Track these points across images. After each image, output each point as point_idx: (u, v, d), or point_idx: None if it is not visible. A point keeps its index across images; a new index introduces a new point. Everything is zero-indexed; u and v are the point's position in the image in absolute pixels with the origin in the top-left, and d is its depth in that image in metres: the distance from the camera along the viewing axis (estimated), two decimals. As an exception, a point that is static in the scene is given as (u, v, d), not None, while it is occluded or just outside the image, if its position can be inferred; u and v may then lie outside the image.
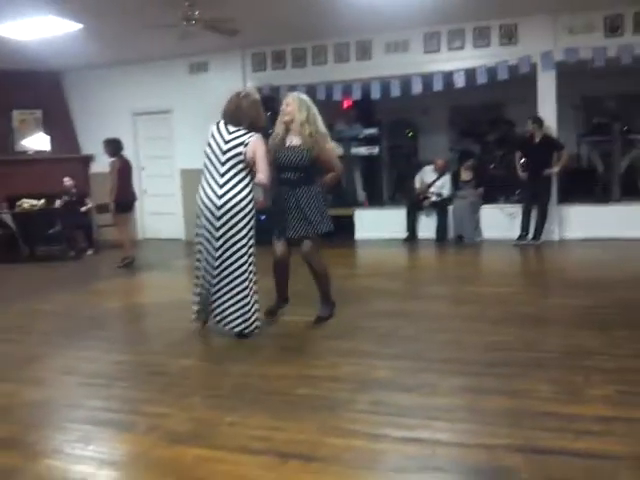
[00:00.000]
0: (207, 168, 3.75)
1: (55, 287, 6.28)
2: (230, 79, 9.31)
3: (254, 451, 2.26)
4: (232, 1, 6.62)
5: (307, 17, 7.52)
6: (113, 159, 7.24)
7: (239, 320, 3.73)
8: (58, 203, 8.73)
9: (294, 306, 4.42)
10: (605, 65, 7.58)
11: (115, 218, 7.36)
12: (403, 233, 8.56)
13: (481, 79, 8.04)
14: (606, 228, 7.66)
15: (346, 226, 9.04)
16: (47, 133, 10.11)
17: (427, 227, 8.54)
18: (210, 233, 3.69)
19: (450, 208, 8.39)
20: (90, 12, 6.85)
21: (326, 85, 8.73)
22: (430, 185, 8.63)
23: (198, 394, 2.91)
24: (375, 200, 9.78)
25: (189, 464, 2.20)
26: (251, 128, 3.78)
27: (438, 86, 8.24)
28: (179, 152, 9.64)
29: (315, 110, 4.03)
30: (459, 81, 8.15)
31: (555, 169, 7.71)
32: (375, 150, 9.44)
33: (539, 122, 7.67)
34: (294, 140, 3.98)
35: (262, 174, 3.69)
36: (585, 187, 8.76)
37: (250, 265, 3.73)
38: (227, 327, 3.78)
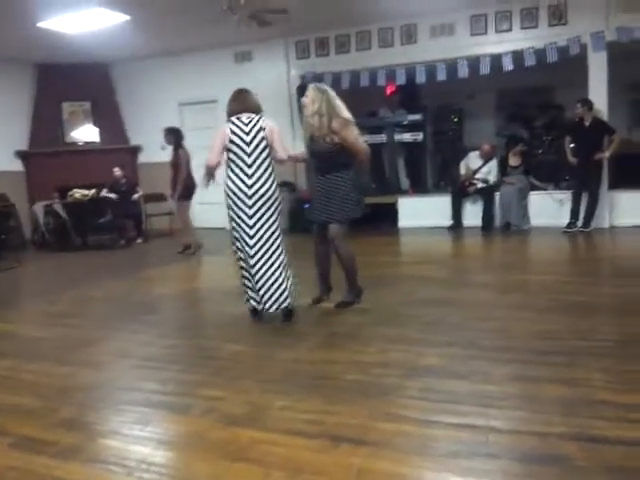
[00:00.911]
0: (234, 162, 3.91)
1: (107, 274, 6.48)
2: (274, 67, 9.38)
3: (306, 434, 2.30)
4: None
5: (351, 2, 7.48)
6: (179, 150, 7.30)
7: (283, 297, 3.92)
8: (105, 192, 8.94)
9: (340, 294, 4.45)
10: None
11: (179, 206, 7.49)
12: (448, 221, 8.47)
13: (529, 61, 7.85)
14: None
15: (389, 214, 9.00)
16: (96, 124, 10.37)
17: (473, 215, 8.41)
18: (244, 221, 3.89)
19: (497, 195, 8.25)
20: (136, 3, 6.97)
21: (370, 71, 8.68)
22: (476, 171, 8.49)
23: (250, 378, 2.96)
24: (419, 187, 9.69)
25: (244, 446, 2.25)
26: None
27: (485, 69, 8.09)
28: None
29: (334, 99, 4.08)
30: (507, 64, 7.98)
31: (606, 154, 7.48)
32: (419, 136, 9.30)
33: (589, 105, 7.44)
34: (315, 130, 4.10)
35: (281, 152, 3.97)
36: (637, 172, 8.46)
37: (281, 245, 3.96)
38: (274, 308, 3.93)
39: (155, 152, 9.38)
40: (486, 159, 8.50)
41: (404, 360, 3.09)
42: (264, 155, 3.91)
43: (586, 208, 7.50)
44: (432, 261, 6.24)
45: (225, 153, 3.95)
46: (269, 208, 3.90)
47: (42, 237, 9.06)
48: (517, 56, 7.89)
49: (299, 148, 6.37)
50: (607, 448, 2.08)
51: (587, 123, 7.47)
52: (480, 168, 8.48)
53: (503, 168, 8.45)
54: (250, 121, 3.92)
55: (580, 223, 7.51)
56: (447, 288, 4.88)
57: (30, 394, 2.92)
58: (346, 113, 4.11)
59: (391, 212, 8.99)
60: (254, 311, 4.08)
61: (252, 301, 4.03)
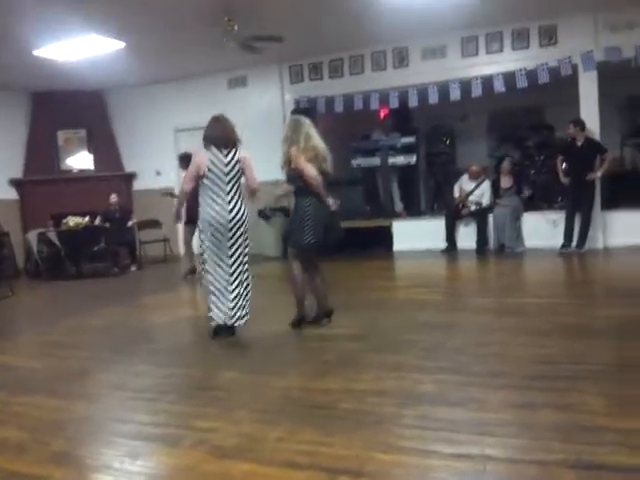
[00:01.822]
0: (212, 190, 4.15)
1: (101, 303, 6.42)
2: (268, 92, 9.46)
3: (301, 466, 2.25)
4: (269, 15, 6.72)
5: (343, 27, 7.58)
6: None
7: (247, 311, 4.26)
8: (98, 220, 8.92)
9: (334, 319, 4.44)
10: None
11: (185, 232, 7.46)
12: (442, 244, 8.47)
13: (521, 83, 7.94)
14: (653, 234, 7.43)
15: (384, 237, 9.00)
16: (91, 152, 10.41)
17: (467, 237, 8.44)
18: (223, 244, 4.17)
19: (490, 217, 8.27)
20: (131, 30, 7.04)
21: (363, 95, 8.76)
22: (469, 194, 8.52)
23: (243, 408, 2.92)
24: (413, 210, 9.72)
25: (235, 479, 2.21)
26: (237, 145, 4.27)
27: (477, 91, 8.18)
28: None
29: (304, 127, 4.24)
30: (498, 86, 8.06)
31: (598, 173, 7.52)
32: (412, 159, 9.39)
33: (581, 125, 7.50)
34: (283, 156, 4.31)
35: (252, 181, 4.33)
36: (630, 192, 8.50)
37: (248, 265, 4.32)
38: (244, 321, 4.22)
39: (150, 178, 9.39)
40: (478, 181, 8.54)
41: (400, 388, 3.05)
42: (239, 184, 4.24)
43: (579, 229, 7.52)
44: (427, 285, 6.23)
45: (201, 181, 4.16)
46: (243, 232, 4.23)
47: (36, 266, 9.00)
48: (509, 77, 7.98)
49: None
50: (606, 475, 2.04)
51: (579, 143, 7.53)
52: (473, 190, 8.51)
53: (495, 190, 8.49)
54: (229, 153, 4.17)
55: (574, 244, 7.52)
56: (443, 312, 4.85)
57: (19, 428, 2.86)
58: (313, 142, 4.22)
59: (386, 235, 8.99)
60: (218, 329, 4.26)
61: (221, 315, 4.19)
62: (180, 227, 7.63)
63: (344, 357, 3.71)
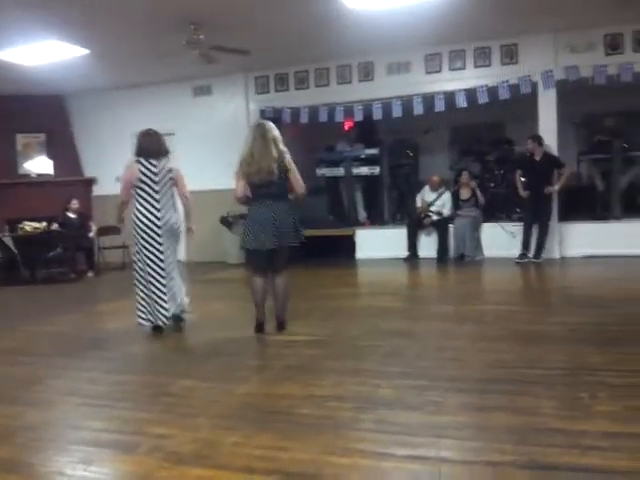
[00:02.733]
0: (143, 198, 4.50)
1: (56, 309, 6.27)
2: (233, 102, 9.44)
3: (259, 471, 2.24)
4: (236, 25, 6.72)
5: (310, 40, 7.63)
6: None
7: (181, 303, 4.71)
8: (55, 225, 8.74)
9: (295, 325, 4.42)
10: (606, 83, 7.65)
11: None
12: (404, 252, 8.57)
13: (482, 99, 8.12)
14: (607, 245, 7.69)
15: (348, 245, 9.06)
16: (50, 156, 10.20)
17: (428, 246, 8.56)
18: (155, 247, 4.52)
19: (451, 227, 8.40)
20: (96, 38, 6.95)
21: (329, 107, 8.83)
22: (431, 204, 8.65)
23: (201, 414, 2.88)
24: (376, 219, 9.80)
25: (192, 484, 2.18)
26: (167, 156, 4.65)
27: (440, 106, 8.32)
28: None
29: (256, 133, 4.28)
30: (460, 101, 8.22)
31: (556, 187, 7.74)
32: (376, 170, 9.51)
33: (539, 140, 7.72)
34: None
35: (184, 190, 4.72)
36: (586, 205, 8.78)
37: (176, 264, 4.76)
38: (178, 310, 4.68)
39: (110, 184, 9.25)
40: (438, 191, 8.68)
41: (359, 393, 3.06)
42: (170, 192, 4.61)
43: (537, 239, 7.72)
44: (389, 292, 6.28)
45: (133, 189, 4.51)
46: (172, 234, 4.60)
47: (-10, 271, 8.75)
48: (470, 93, 8.15)
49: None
50: (557, 475, 2.09)
51: (538, 158, 7.73)
52: (435, 201, 8.65)
53: (455, 201, 8.64)
54: (158, 164, 4.52)
55: (531, 254, 7.71)
56: (404, 319, 4.90)
57: (-32, 436, 2.77)
58: (278, 147, 4.26)
59: (349, 244, 9.05)
60: (155, 327, 4.65)
61: (146, 317, 4.61)
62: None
63: (305, 363, 3.71)
